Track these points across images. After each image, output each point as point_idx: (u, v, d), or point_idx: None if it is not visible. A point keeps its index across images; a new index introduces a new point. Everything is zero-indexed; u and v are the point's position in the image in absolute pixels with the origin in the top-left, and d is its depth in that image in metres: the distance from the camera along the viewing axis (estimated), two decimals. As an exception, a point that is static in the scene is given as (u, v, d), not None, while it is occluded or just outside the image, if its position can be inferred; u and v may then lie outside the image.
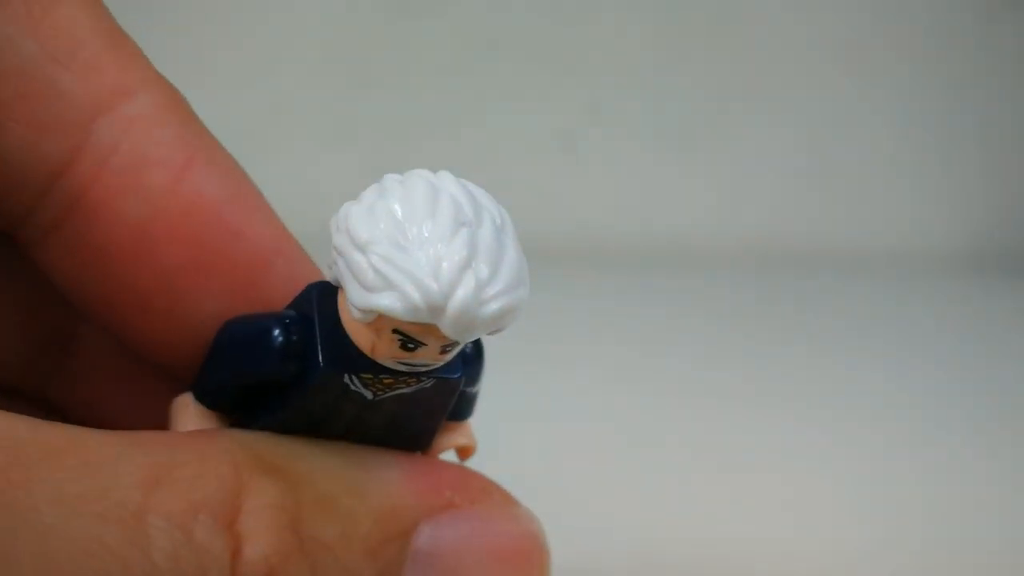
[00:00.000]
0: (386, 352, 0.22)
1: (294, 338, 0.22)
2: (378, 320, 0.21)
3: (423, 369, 0.22)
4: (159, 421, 0.25)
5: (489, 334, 0.21)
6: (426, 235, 0.20)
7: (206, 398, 0.24)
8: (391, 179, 0.21)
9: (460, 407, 0.26)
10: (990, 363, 0.60)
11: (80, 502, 0.19)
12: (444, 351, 0.22)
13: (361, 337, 0.22)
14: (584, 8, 0.83)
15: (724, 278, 0.75)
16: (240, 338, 0.24)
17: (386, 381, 0.23)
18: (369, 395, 0.23)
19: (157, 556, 0.19)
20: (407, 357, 0.22)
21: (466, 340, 0.21)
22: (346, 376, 0.23)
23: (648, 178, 0.83)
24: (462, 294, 0.20)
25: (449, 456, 0.26)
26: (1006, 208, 0.83)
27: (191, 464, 0.20)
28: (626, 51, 0.83)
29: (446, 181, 0.21)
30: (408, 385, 0.23)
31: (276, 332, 0.22)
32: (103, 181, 0.23)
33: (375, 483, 0.23)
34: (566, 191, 0.82)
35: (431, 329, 0.20)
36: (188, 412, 0.24)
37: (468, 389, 0.25)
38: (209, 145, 0.24)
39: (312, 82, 0.81)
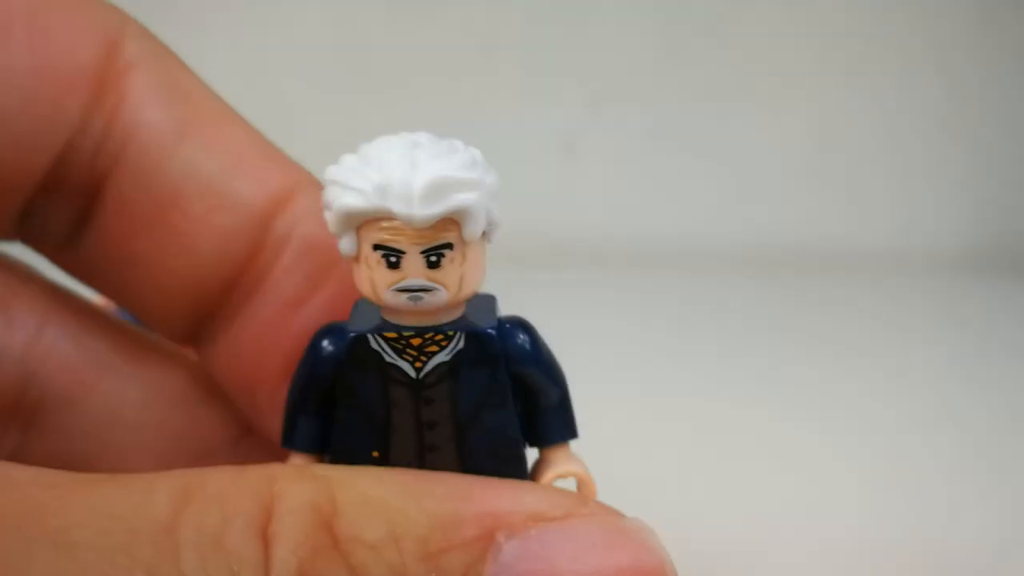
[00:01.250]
0: (380, 280, 0.23)
1: (323, 337, 0.25)
2: (359, 243, 0.23)
3: (429, 298, 0.23)
4: None
5: (450, 214, 0.23)
6: (380, 153, 0.23)
7: (289, 440, 0.25)
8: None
9: (546, 419, 0.26)
10: (989, 362, 0.60)
11: (112, 520, 0.19)
12: (429, 264, 0.23)
13: (362, 281, 0.24)
14: (584, 9, 0.83)
15: (723, 277, 0.75)
16: (295, 372, 0.25)
17: (414, 341, 0.24)
18: (412, 372, 0.24)
19: (186, 567, 0.19)
20: (399, 278, 0.23)
21: (420, 219, 0.23)
22: (372, 338, 0.24)
23: (648, 178, 0.83)
24: (399, 169, 0.23)
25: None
26: (1005, 208, 0.83)
27: (225, 481, 0.21)
28: (626, 51, 0.83)
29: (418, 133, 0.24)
30: (441, 347, 0.24)
31: (312, 340, 0.25)
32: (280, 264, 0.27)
33: (434, 485, 0.22)
34: (566, 192, 0.82)
35: (396, 227, 0.23)
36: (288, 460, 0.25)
37: (528, 371, 0.25)
38: None
39: (312, 83, 0.82)
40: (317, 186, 0.27)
